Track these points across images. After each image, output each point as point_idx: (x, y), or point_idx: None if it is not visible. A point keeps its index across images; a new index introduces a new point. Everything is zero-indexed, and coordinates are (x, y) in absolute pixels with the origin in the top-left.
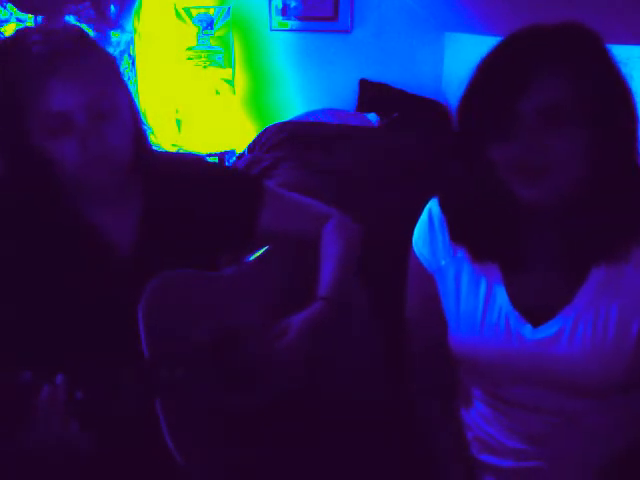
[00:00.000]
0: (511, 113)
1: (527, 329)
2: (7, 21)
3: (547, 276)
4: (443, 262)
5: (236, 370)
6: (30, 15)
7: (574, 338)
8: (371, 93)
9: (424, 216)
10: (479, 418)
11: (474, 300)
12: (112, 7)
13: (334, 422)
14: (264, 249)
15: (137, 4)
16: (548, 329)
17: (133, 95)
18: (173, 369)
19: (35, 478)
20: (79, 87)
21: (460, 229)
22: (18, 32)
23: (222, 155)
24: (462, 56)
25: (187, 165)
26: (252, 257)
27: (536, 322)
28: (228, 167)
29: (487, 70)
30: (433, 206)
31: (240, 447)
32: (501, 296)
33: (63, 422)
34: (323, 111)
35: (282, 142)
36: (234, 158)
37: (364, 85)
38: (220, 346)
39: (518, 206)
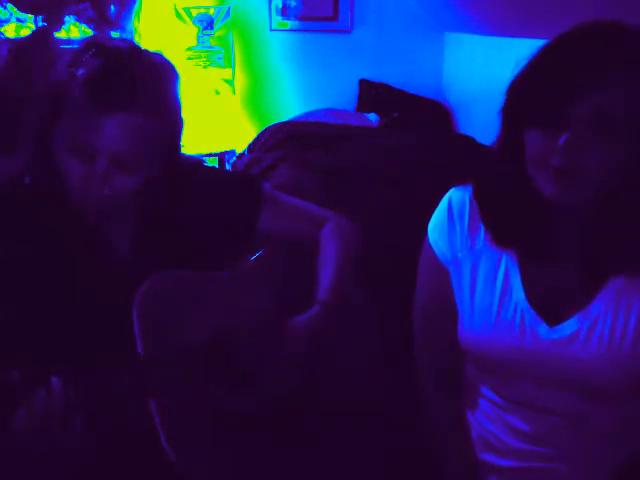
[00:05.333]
0: (562, 114)
1: (542, 328)
2: (7, 21)
3: (565, 276)
4: (460, 254)
5: (233, 371)
6: (30, 15)
7: (590, 341)
8: (371, 93)
9: (443, 206)
10: (482, 416)
11: (490, 295)
12: (112, 7)
13: (333, 422)
14: (262, 251)
15: (137, 4)
16: (564, 330)
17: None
18: (168, 369)
19: (32, 478)
20: (122, 139)
21: (488, 208)
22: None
23: (222, 155)
24: (462, 56)
25: (186, 168)
26: (251, 259)
27: (551, 321)
28: (227, 170)
29: (546, 65)
30: (453, 195)
31: (237, 447)
32: (517, 292)
33: (62, 426)
34: (323, 111)
35: (282, 142)
36: (234, 158)
37: (364, 85)
38: (217, 346)
39: (545, 198)
